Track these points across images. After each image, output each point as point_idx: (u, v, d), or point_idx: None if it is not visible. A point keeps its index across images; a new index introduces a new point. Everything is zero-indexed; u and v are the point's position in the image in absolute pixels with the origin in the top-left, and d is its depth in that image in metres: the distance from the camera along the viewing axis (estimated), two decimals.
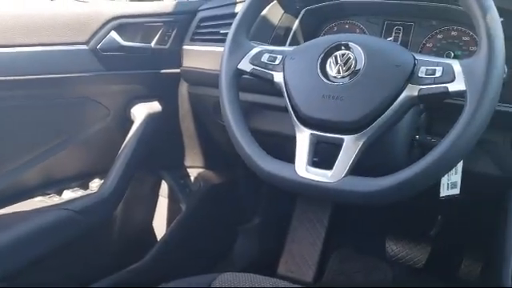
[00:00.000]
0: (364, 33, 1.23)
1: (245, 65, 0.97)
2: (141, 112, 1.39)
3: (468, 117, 0.74)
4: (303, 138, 0.87)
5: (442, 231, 1.65)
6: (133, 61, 1.36)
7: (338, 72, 0.87)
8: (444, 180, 1.03)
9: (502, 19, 0.96)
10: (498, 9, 0.80)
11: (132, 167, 1.36)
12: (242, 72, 0.97)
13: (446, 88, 0.78)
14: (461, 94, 0.77)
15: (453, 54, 1.10)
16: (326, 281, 1.70)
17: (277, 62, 0.94)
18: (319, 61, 0.89)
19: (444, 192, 1.03)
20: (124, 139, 1.37)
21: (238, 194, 1.75)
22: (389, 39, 1.19)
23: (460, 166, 1.03)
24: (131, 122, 1.39)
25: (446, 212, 1.60)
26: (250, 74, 0.97)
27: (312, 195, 0.86)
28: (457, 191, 1.04)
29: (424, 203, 1.20)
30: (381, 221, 1.74)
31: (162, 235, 1.55)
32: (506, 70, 0.93)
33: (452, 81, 0.78)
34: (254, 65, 0.96)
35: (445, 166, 0.78)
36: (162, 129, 1.46)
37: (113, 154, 1.36)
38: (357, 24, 1.25)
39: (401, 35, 1.18)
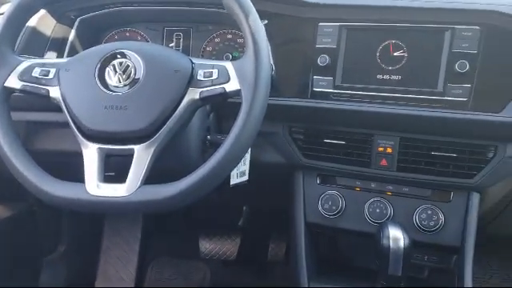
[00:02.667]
0: (146, 40, 1.23)
1: (13, 82, 0.87)
2: None
3: (244, 114, 0.79)
4: (90, 154, 0.83)
5: (248, 221, 1.77)
6: None
7: (119, 81, 0.84)
8: (233, 171, 1.09)
9: (266, 21, 1.07)
10: (261, 12, 0.88)
11: None
12: (10, 90, 0.88)
13: (224, 89, 0.83)
14: (237, 93, 0.82)
15: (231, 56, 1.18)
16: None
17: (50, 75, 0.87)
18: (97, 71, 0.85)
19: (234, 180, 1.10)
20: None
21: (35, 224, 1.58)
22: (170, 45, 1.21)
23: (248, 157, 1.11)
24: None
25: (250, 202, 1.71)
26: (21, 91, 0.87)
27: (108, 212, 0.82)
28: (246, 178, 1.11)
29: (228, 197, 1.25)
30: (192, 222, 1.78)
31: None
32: (274, 67, 1.04)
33: (228, 81, 0.82)
34: (24, 81, 0.87)
35: (231, 162, 0.82)
36: None
37: None
38: (138, 31, 1.24)
39: (182, 40, 1.21)
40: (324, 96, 1.06)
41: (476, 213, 1.04)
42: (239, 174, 1.09)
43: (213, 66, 0.84)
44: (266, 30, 1.02)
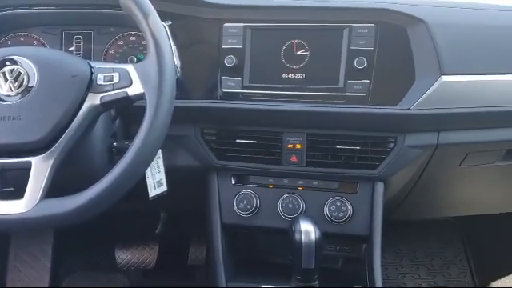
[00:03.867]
0: (43, 45, 1.15)
1: None
2: None
3: (150, 118, 0.77)
4: None
5: (166, 227, 1.73)
6: None
7: (10, 90, 0.79)
8: (150, 181, 1.06)
9: (170, 22, 1.05)
10: (164, 13, 0.86)
11: None
12: None
13: (126, 93, 0.80)
14: (141, 97, 0.80)
15: (135, 59, 1.14)
16: None
17: None
18: None
19: (152, 192, 1.07)
20: None
21: None
22: (70, 49, 1.14)
23: (161, 163, 1.08)
24: None
25: (167, 208, 1.68)
26: None
27: (5, 231, 0.76)
28: (164, 188, 1.09)
29: (143, 205, 1.22)
30: (107, 233, 1.71)
31: None
32: (180, 68, 1.02)
33: (130, 85, 0.80)
34: None
35: (138, 168, 0.79)
36: None
37: None
38: (33, 36, 1.16)
39: (82, 44, 1.15)
40: (233, 96, 1.06)
41: (381, 201, 1.09)
42: (156, 184, 1.06)
43: (113, 70, 0.82)
44: (171, 31, 1.00)
